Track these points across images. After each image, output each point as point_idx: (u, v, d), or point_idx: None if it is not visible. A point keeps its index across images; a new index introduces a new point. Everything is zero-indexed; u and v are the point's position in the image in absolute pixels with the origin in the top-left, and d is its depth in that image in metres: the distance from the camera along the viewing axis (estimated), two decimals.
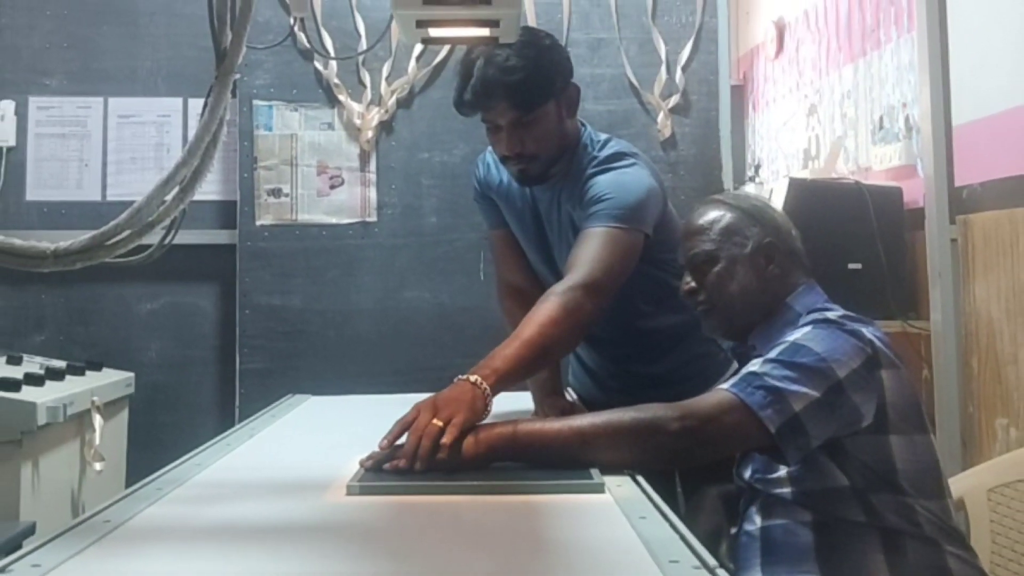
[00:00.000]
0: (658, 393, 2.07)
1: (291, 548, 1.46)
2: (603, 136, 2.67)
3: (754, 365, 1.97)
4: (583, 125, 2.67)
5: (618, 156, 2.58)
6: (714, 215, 2.23)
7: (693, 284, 2.22)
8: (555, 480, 1.81)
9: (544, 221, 2.69)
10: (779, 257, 2.17)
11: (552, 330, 2.25)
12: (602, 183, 2.49)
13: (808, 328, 2.02)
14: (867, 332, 2.00)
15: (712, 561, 1.31)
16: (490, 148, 2.76)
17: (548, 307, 2.28)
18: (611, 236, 2.40)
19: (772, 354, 1.97)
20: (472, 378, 2.06)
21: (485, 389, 2.03)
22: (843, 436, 1.92)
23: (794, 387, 1.89)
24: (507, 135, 2.49)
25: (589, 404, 2.78)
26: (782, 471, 1.96)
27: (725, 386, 1.94)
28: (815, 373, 1.91)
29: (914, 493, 1.91)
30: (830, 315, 2.05)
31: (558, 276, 2.56)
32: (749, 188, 4.16)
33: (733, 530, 2.06)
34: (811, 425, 1.88)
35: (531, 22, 4.17)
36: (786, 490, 1.95)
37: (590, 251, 2.38)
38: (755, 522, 1.98)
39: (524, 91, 2.43)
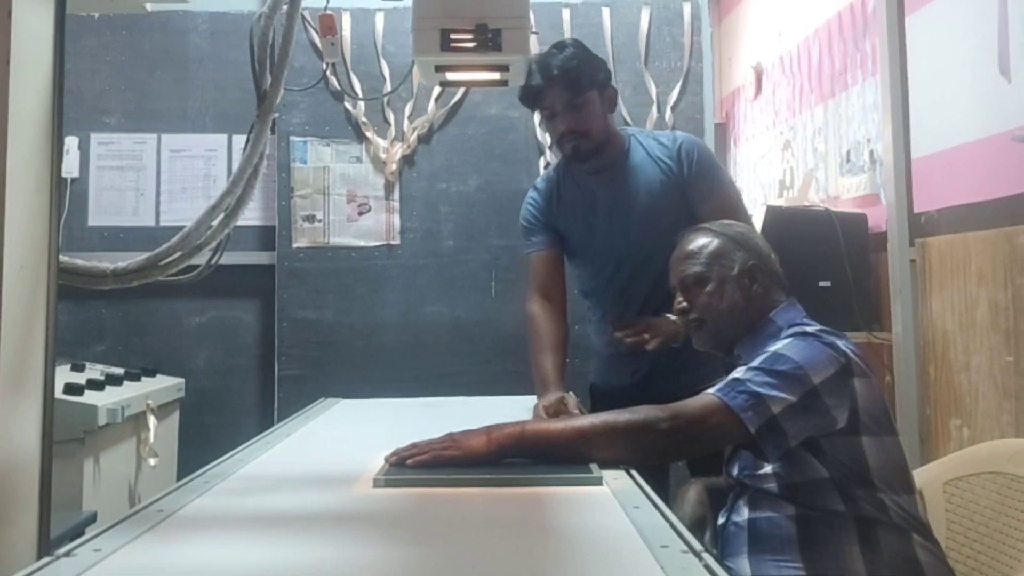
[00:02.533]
0: (670, 382, 2.10)
1: (324, 534, 1.46)
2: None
3: (738, 372, 1.97)
4: (627, 126, 3.00)
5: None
6: (703, 241, 2.23)
7: (685, 304, 2.23)
8: (558, 474, 1.82)
9: (604, 206, 2.83)
10: (762, 278, 2.18)
11: None
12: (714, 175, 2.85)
13: (789, 340, 2.02)
14: (841, 344, 2.00)
15: (698, 546, 1.31)
16: (532, 188, 2.98)
17: None
18: None
19: (755, 363, 1.97)
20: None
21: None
22: (820, 437, 1.92)
23: (773, 392, 1.90)
24: (562, 116, 2.72)
25: (609, 394, 2.88)
26: (768, 468, 1.95)
27: (711, 391, 1.95)
28: (792, 380, 1.91)
29: (885, 488, 1.90)
30: (809, 329, 2.05)
31: (611, 249, 2.81)
32: None
33: (721, 520, 2.06)
34: (788, 425, 1.88)
35: None
36: (772, 485, 1.94)
37: None
38: (742, 514, 1.98)
39: (575, 76, 2.69)
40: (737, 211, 2.75)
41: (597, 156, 2.79)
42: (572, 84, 2.69)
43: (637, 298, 2.79)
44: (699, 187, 2.78)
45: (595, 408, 2.85)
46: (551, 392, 2.59)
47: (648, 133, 2.95)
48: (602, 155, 2.79)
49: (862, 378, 1.97)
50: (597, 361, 3.08)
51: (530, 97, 2.77)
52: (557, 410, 2.46)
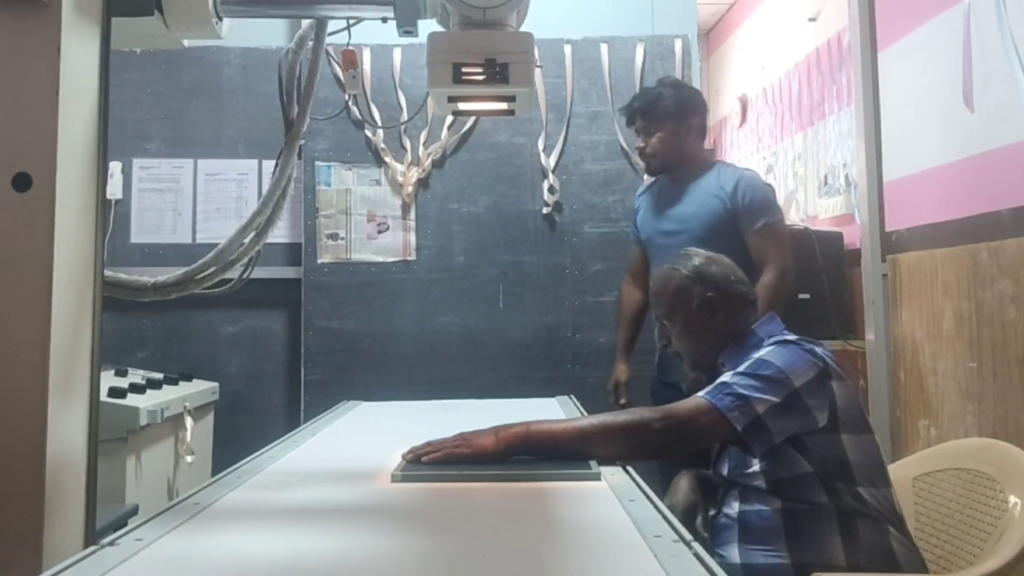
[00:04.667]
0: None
1: (346, 525, 1.47)
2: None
3: (725, 377, 1.98)
4: (722, 161, 3.35)
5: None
6: (664, 282, 2.26)
7: (664, 341, 2.26)
8: (560, 470, 1.81)
9: (672, 213, 3.17)
10: (722, 306, 2.18)
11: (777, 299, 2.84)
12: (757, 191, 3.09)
13: (771, 348, 2.03)
14: (819, 351, 2.02)
15: (688, 536, 1.32)
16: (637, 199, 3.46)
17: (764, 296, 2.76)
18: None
19: (740, 368, 1.98)
20: None
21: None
22: (803, 434, 1.92)
23: (757, 394, 1.91)
24: (641, 135, 3.22)
25: (672, 386, 2.97)
26: (756, 465, 1.96)
27: (701, 394, 1.96)
28: (775, 382, 1.92)
29: (864, 482, 1.91)
30: (789, 338, 2.07)
31: (669, 251, 2.81)
32: None
33: (712, 512, 2.06)
34: (772, 424, 1.89)
35: (541, 99, 4.19)
36: (760, 481, 1.95)
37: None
38: (733, 507, 1.98)
39: (650, 109, 3.19)
40: (778, 242, 2.99)
41: (668, 172, 3.22)
42: (646, 114, 3.18)
43: None
44: (747, 218, 3.01)
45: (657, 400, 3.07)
46: (619, 362, 3.35)
47: (728, 164, 3.27)
48: (675, 171, 3.19)
49: (839, 381, 1.98)
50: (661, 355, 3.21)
51: (626, 119, 3.32)
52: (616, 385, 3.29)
